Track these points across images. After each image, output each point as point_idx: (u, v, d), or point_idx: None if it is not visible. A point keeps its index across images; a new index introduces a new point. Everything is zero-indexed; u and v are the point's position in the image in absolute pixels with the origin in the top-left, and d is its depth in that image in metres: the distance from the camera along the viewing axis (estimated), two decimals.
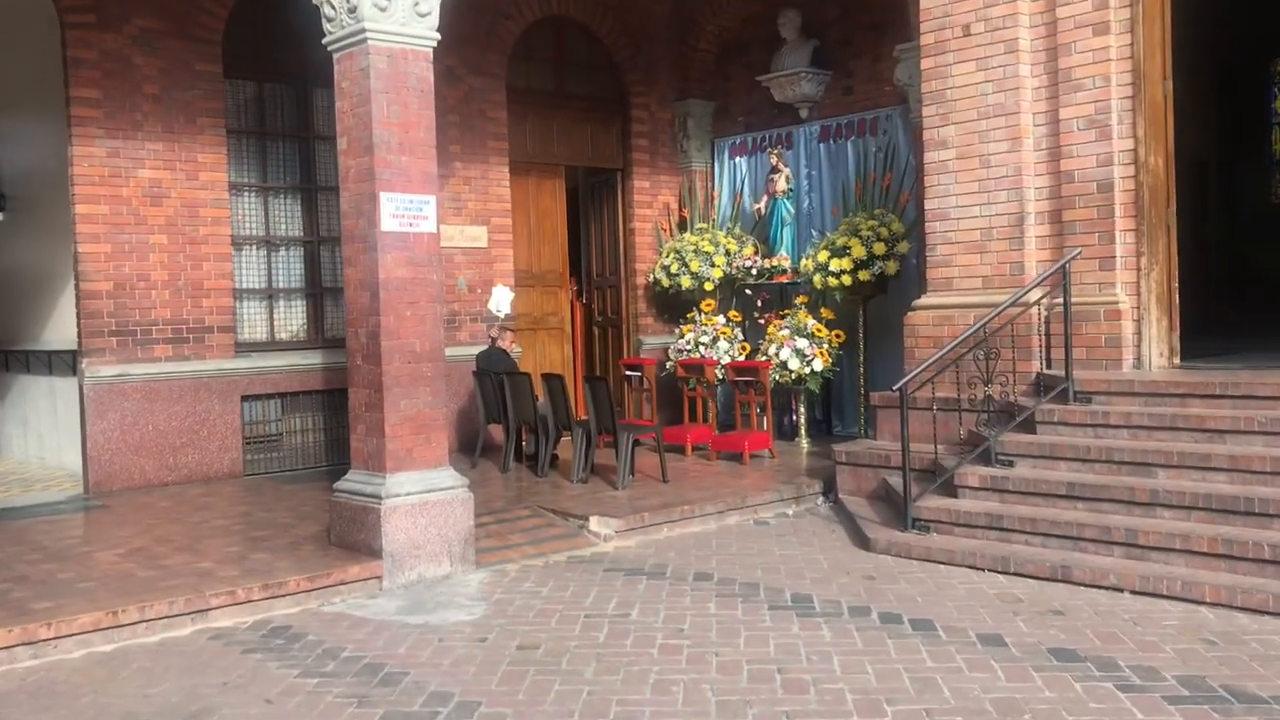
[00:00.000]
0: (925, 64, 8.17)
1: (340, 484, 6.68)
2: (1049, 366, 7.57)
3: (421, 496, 6.42)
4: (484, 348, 9.79)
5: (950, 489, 6.94)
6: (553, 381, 8.82)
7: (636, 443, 8.69)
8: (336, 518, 6.66)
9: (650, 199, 12.08)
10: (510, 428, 9.27)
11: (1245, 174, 14.92)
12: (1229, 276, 13.88)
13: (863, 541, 6.94)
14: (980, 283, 7.97)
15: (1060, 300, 7.20)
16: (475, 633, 5.41)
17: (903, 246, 9.70)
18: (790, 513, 8.07)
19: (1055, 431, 6.93)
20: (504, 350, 9.58)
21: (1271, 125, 15.35)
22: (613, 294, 12.31)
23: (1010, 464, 6.85)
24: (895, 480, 7.66)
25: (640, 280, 11.98)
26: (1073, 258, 7.25)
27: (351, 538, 6.50)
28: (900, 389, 6.86)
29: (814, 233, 11.17)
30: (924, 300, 8.35)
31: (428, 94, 6.54)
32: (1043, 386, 7.29)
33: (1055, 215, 7.58)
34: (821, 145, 11.12)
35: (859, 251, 9.67)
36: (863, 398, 10.19)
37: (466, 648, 5.18)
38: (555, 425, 8.92)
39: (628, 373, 10.67)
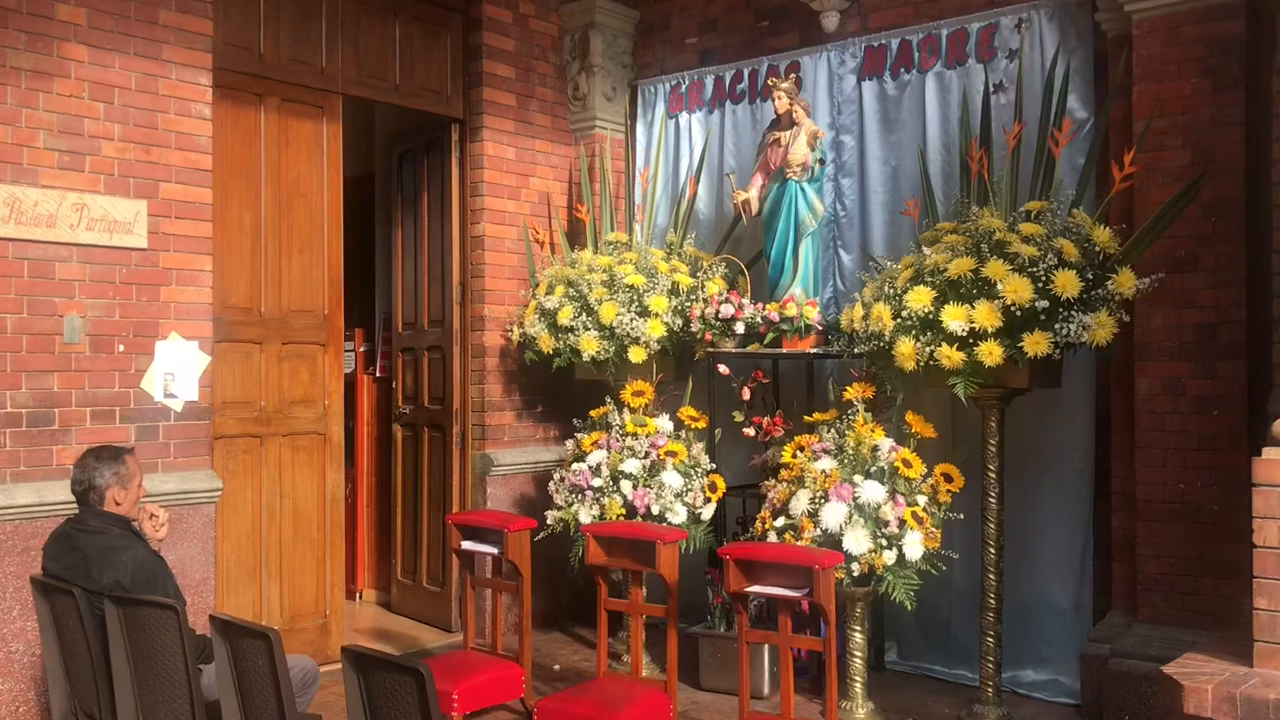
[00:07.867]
0: None
1: None
2: None
3: None
4: (68, 518, 3.57)
5: None
6: (245, 644, 2.79)
7: None
8: None
9: (517, 181, 6.24)
10: None
11: None
12: None
13: None
14: None
15: None
16: None
17: (1124, 281, 4.20)
18: None
19: None
20: (132, 533, 3.41)
21: None
22: (436, 364, 6.32)
23: None
24: None
25: (493, 338, 6.07)
26: None
27: None
28: None
29: (844, 256, 5.63)
30: None
31: None
32: None
33: None
34: (866, 84, 5.62)
35: (1018, 292, 4.11)
36: (992, 617, 4.57)
37: None
38: None
39: (465, 545, 4.73)
